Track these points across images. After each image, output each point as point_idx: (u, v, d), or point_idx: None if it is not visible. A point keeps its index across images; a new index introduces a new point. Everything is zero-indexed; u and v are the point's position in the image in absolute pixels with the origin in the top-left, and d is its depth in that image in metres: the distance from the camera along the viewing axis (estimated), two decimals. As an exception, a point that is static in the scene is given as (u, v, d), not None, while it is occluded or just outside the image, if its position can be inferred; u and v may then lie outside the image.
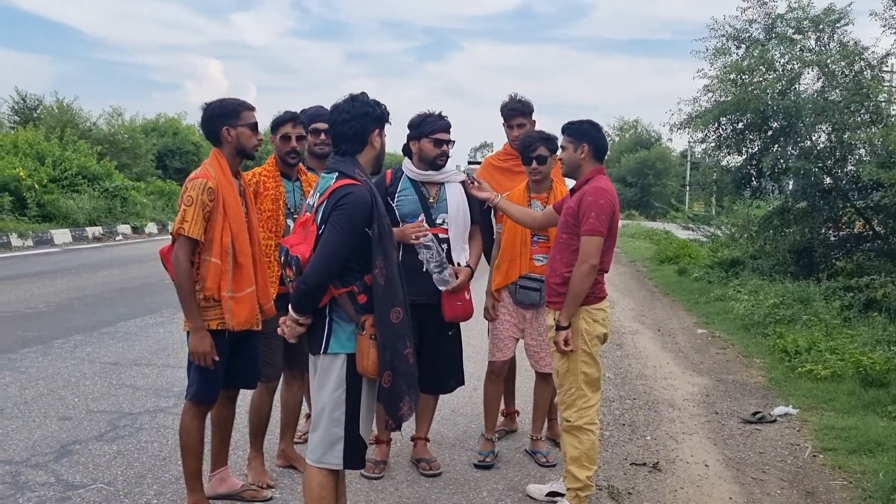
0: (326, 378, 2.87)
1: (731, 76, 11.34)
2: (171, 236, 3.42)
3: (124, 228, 18.76)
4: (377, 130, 2.98)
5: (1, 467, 4.04)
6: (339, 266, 2.79)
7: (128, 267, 12.85)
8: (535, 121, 4.60)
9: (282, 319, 2.98)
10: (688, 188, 32.59)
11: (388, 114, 3.07)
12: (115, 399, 5.32)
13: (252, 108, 3.60)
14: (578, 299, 3.54)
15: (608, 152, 3.75)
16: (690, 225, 21.30)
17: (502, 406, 4.95)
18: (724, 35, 11.72)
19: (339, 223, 2.79)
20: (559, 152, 3.78)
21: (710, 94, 11.87)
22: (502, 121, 4.62)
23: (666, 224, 28.86)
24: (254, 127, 3.57)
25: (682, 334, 8.73)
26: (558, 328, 3.57)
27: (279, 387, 4.19)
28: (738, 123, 11.79)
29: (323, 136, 4.22)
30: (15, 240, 15.06)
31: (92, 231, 17.62)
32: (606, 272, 3.68)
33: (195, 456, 3.51)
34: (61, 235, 16.35)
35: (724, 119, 11.75)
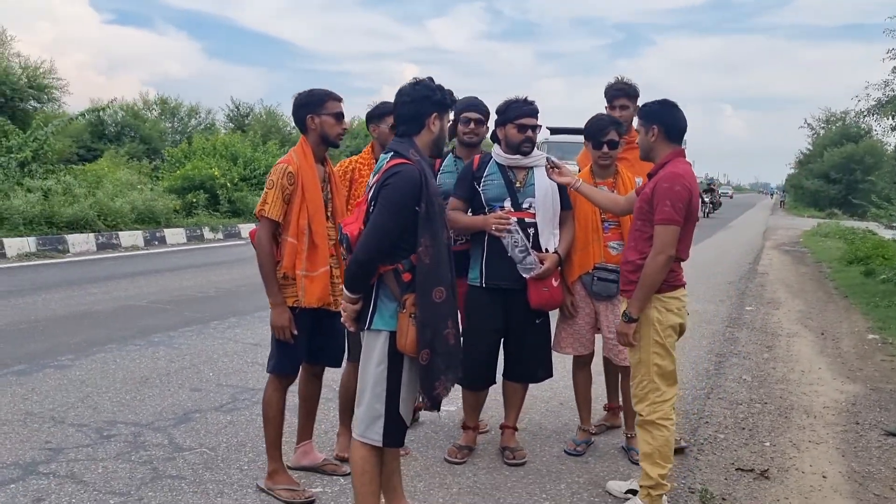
0: (370, 354, 2.93)
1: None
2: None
3: (305, 223, 20.08)
4: (435, 115, 2.99)
5: (127, 428, 4.48)
6: (387, 244, 2.83)
7: (299, 258, 13.70)
8: (638, 105, 4.42)
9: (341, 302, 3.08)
10: (901, 183, 29.40)
11: (452, 100, 3.09)
12: (243, 375, 5.72)
13: (339, 99, 3.74)
14: (650, 291, 3.35)
15: (686, 131, 3.50)
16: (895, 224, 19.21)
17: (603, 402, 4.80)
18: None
19: (385, 201, 2.84)
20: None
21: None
22: (606, 104, 4.48)
23: (868, 223, 26.31)
24: (338, 116, 3.70)
25: (849, 339, 7.94)
26: (628, 320, 3.40)
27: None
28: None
29: (472, 126, 4.31)
30: (207, 233, 16.56)
31: (275, 226, 19.00)
32: (684, 260, 3.46)
33: (275, 426, 3.70)
34: (247, 229, 17.76)
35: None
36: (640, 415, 3.44)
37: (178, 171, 18.68)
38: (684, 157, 3.47)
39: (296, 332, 3.58)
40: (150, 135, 29.26)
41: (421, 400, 2.96)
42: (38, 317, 7.64)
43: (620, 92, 4.42)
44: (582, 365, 4.38)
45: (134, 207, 15.10)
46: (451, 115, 3.10)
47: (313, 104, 3.67)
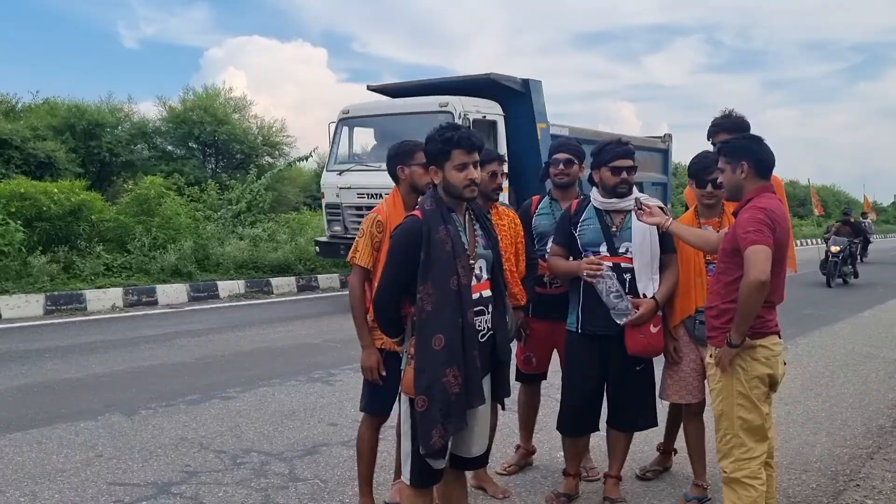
0: (402, 392, 3.07)
1: None
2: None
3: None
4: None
5: (259, 457, 4.87)
6: (393, 287, 3.03)
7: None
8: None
9: None
10: None
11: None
12: (380, 412, 5.96)
13: None
14: (749, 317, 3.11)
15: (774, 167, 3.26)
16: None
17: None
18: None
19: (389, 250, 3.12)
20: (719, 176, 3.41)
21: None
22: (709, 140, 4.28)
23: None
24: (426, 166, 3.85)
25: None
26: (730, 345, 3.17)
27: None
28: None
29: (562, 166, 4.36)
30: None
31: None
32: (777, 303, 3.19)
33: (366, 463, 3.88)
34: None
35: None
36: (725, 471, 3.20)
37: (376, 217, 19.83)
38: (772, 192, 3.23)
39: (384, 374, 3.73)
40: (368, 182, 31.37)
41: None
42: (226, 352, 8.47)
43: (717, 127, 4.19)
44: (692, 414, 4.14)
45: (331, 252, 16.22)
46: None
47: (403, 155, 3.87)
